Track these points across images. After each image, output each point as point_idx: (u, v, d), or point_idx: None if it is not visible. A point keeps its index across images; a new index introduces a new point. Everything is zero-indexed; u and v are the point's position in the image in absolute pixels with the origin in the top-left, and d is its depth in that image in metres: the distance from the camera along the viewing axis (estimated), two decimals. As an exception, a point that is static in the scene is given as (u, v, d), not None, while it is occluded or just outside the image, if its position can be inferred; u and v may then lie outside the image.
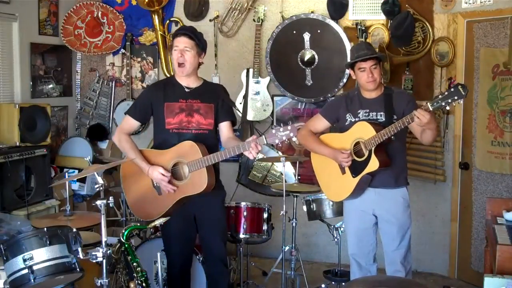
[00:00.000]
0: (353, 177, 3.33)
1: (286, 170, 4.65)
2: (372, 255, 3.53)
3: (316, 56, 4.94)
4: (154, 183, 3.29)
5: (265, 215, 4.19)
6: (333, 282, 4.15)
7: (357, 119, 3.38)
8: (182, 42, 3.21)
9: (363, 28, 4.77)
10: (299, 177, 4.56)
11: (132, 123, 3.39)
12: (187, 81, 3.32)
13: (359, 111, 3.39)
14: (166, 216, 3.21)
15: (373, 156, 3.23)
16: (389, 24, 4.75)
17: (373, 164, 3.23)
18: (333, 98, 4.90)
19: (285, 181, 3.97)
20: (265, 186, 5.04)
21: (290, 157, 4.49)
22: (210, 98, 3.32)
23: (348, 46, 4.84)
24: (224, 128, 3.35)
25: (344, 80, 4.89)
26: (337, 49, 4.88)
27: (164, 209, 3.25)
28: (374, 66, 3.30)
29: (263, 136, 3.00)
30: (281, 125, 3.03)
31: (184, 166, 3.21)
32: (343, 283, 3.99)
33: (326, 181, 3.58)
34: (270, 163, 5.09)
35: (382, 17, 4.78)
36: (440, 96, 2.96)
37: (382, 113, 3.33)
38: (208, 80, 3.52)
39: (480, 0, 4.40)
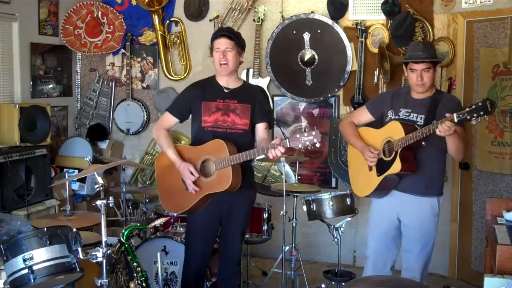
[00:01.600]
0: (378, 175, 3.30)
1: (286, 170, 4.65)
2: (391, 261, 3.46)
3: (316, 56, 4.94)
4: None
5: (265, 215, 4.20)
6: (333, 282, 4.15)
7: (396, 117, 3.32)
8: (223, 43, 3.28)
9: (363, 28, 4.77)
10: (299, 177, 4.56)
11: (170, 120, 3.46)
12: (227, 82, 3.37)
13: (401, 109, 3.32)
14: (191, 211, 3.32)
15: (397, 158, 3.17)
16: (389, 24, 4.76)
17: (396, 166, 3.18)
18: (339, 96, 4.96)
19: (285, 181, 3.97)
20: (265, 186, 5.03)
21: (290, 157, 4.49)
22: (248, 99, 3.36)
23: (348, 46, 4.84)
24: (260, 129, 3.39)
25: (344, 80, 4.90)
26: (337, 49, 4.88)
27: (190, 204, 3.30)
28: (426, 70, 3.19)
29: (287, 139, 3.00)
30: (307, 130, 3.01)
31: (212, 163, 3.26)
32: (343, 283, 3.99)
33: (355, 174, 3.59)
34: (270, 163, 5.09)
35: (382, 17, 4.79)
36: (467, 109, 2.86)
37: (422, 116, 3.23)
38: (248, 82, 3.54)
39: (480, 0, 4.40)
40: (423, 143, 3.13)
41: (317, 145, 2.95)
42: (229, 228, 3.41)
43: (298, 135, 2.97)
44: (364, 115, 3.53)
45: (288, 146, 3.00)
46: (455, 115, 2.89)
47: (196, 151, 3.31)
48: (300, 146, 2.97)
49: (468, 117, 2.85)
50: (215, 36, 3.33)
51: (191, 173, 3.24)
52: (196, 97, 3.37)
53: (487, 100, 2.82)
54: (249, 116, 3.33)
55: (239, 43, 3.34)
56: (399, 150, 3.16)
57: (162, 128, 3.45)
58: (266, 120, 3.39)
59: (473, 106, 2.84)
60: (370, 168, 3.37)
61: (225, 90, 3.36)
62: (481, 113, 2.82)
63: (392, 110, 3.36)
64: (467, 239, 4.60)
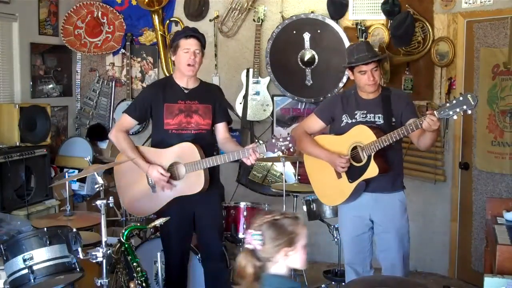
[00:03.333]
0: (350, 182, 3.22)
1: (286, 170, 4.65)
2: (369, 261, 3.42)
3: (316, 56, 4.94)
4: (150, 181, 3.33)
5: (265, 215, 4.18)
6: (333, 282, 4.15)
7: (353, 121, 3.24)
8: (194, 45, 3.27)
9: (363, 28, 4.77)
10: (299, 177, 4.56)
11: (130, 122, 3.41)
12: (186, 82, 3.36)
13: (356, 112, 3.25)
14: (159, 213, 3.28)
15: (372, 162, 3.10)
16: (389, 24, 4.75)
17: (372, 170, 3.11)
18: (327, 97, 4.87)
19: (285, 181, 3.97)
20: (265, 186, 5.04)
21: (290, 157, 4.49)
22: (208, 99, 3.37)
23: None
24: (221, 128, 3.41)
25: (344, 80, 4.90)
26: (337, 49, 4.87)
27: (158, 206, 3.30)
28: (375, 69, 3.17)
29: (264, 145, 3.06)
30: (280, 134, 3.06)
31: (181, 166, 3.25)
32: (343, 283, 3.99)
33: (320, 184, 3.45)
34: (270, 163, 5.09)
35: (382, 17, 4.78)
36: (447, 105, 2.81)
37: (380, 115, 3.20)
38: (204, 80, 3.54)
39: (480, 0, 4.40)
40: (392, 143, 3.08)
41: (292, 149, 3.09)
42: (204, 225, 3.41)
43: (274, 140, 3.04)
44: (315, 122, 3.42)
45: (265, 151, 3.06)
46: (436, 112, 2.84)
47: (163, 154, 3.29)
48: (276, 151, 3.05)
49: (451, 113, 2.80)
50: (185, 36, 3.28)
51: (162, 174, 3.22)
52: (157, 98, 3.33)
53: (468, 93, 2.78)
54: (211, 116, 3.35)
55: (204, 46, 3.35)
56: (372, 154, 3.10)
57: (120, 131, 3.38)
58: (226, 119, 3.43)
59: (454, 101, 2.79)
60: (339, 176, 3.26)
61: (185, 91, 3.35)
62: (464, 107, 2.76)
63: (346, 114, 3.28)
64: (467, 239, 4.60)
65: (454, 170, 4.69)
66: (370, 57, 3.16)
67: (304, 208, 4.06)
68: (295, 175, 4.65)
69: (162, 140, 3.34)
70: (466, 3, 4.49)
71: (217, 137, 3.44)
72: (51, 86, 5.36)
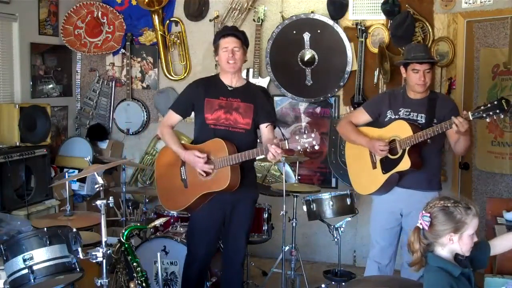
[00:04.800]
0: (383, 173, 3.35)
1: (286, 170, 4.65)
2: (394, 257, 3.52)
3: (316, 56, 4.94)
4: (182, 175, 3.37)
5: (265, 215, 4.19)
6: (333, 282, 4.15)
7: (397, 117, 3.38)
8: (232, 43, 3.29)
9: (363, 28, 4.77)
10: (299, 177, 4.56)
11: (174, 118, 3.46)
12: (231, 80, 3.38)
13: (400, 109, 3.39)
14: (190, 209, 3.35)
15: (406, 156, 3.24)
16: (389, 24, 4.76)
17: (405, 164, 3.24)
18: (339, 96, 4.97)
19: (285, 181, 3.97)
20: (265, 186, 5.03)
21: (290, 157, 4.50)
22: (251, 98, 3.37)
23: (348, 46, 4.84)
24: (264, 129, 3.38)
25: (344, 80, 4.90)
26: (337, 49, 4.88)
27: (188, 202, 3.31)
28: (428, 70, 3.30)
29: (286, 141, 3.01)
30: (306, 131, 3.02)
31: (211, 162, 3.26)
32: (343, 283, 3.99)
33: (356, 173, 3.61)
34: (270, 163, 5.08)
35: (382, 17, 4.79)
36: (482, 107, 2.95)
37: (423, 115, 3.33)
38: (251, 82, 3.57)
39: (480, 0, 4.40)
40: (428, 141, 3.20)
41: (316, 147, 3.00)
42: (233, 229, 3.41)
43: (297, 137, 2.99)
44: (362, 115, 3.57)
45: (287, 147, 3.01)
46: (470, 113, 2.97)
47: (196, 149, 3.31)
48: (299, 148, 2.99)
49: (484, 115, 2.94)
50: (222, 35, 3.34)
51: (198, 156, 3.23)
52: (199, 94, 3.37)
53: (502, 98, 2.91)
54: (251, 115, 3.33)
55: (245, 42, 3.38)
56: (407, 148, 3.22)
57: (166, 126, 3.46)
58: (269, 121, 3.39)
59: (489, 105, 2.93)
60: (374, 166, 3.40)
61: (229, 88, 3.37)
62: (497, 111, 2.91)
63: (391, 110, 3.42)
64: (467, 239, 4.59)
65: (454, 170, 4.69)
66: (426, 57, 3.31)
67: (304, 208, 4.06)
68: (295, 175, 4.65)
69: (201, 135, 3.38)
70: (466, 3, 4.49)
71: (262, 139, 3.41)
72: (51, 86, 5.36)
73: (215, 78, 3.47)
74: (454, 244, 2.20)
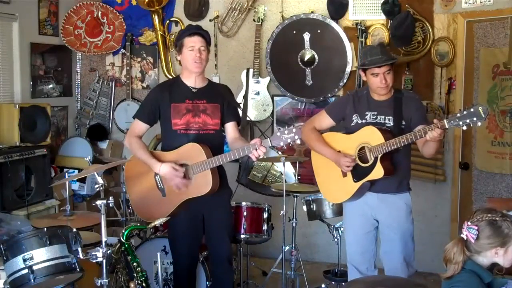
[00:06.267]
0: (355, 181, 3.24)
1: (286, 170, 4.65)
2: (373, 261, 3.42)
3: (316, 56, 4.94)
4: (159, 184, 3.29)
5: (265, 215, 4.19)
6: (333, 282, 4.15)
7: (363, 121, 3.26)
8: (199, 42, 3.24)
9: (363, 28, 4.77)
10: (299, 177, 4.56)
11: (141, 126, 3.37)
12: (194, 81, 3.32)
13: (366, 112, 3.27)
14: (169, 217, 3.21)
15: (378, 163, 3.12)
16: (389, 24, 4.76)
17: (378, 172, 3.13)
18: (338, 96, 4.90)
19: (285, 181, 3.97)
20: (265, 186, 5.04)
21: (290, 157, 4.50)
22: (216, 98, 3.32)
23: (348, 46, 4.84)
24: (230, 128, 3.36)
25: (344, 80, 4.90)
26: (337, 49, 4.88)
27: (168, 211, 3.24)
28: (388, 72, 3.19)
29: (268, 138, 3.01)
30: (286, 127, 3.01)
31: (189, 168, 3.20)
32: (343, 283, 3.99)
33: (325, 181, 3.48)
34: (270, 163, 5.09)
35: (382, 17, 4.79)
36: (458, 115, 2.82)
37: (390, 117, 3.22)
38: (212, 81, 3.53)
39: (480, 0, 4.40)
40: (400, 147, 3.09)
41: (298, 141, 3.01)
42: (214, 229, 3.38)
43: (278, 133, 2.98)
44: (325, 120, 3.44)
45: (270, 145, 3.00)
46: (445, 121, 2.86)
47: (169, 156, 3.25)
48: (281, 144, 2.98)
49: (461, 123, 2.81)
50: (189, 34, 3.26)
51: (175, 169, 3.16)
52: (164, 99, 3.29)
53: (479, 105, 2.78)
54: (219, 115, 3.30)
55: (210, 42, 3.33)
56: (379, 156, 3.11)
57: (132, 136, 3.36)
58: (235, 119, 3.38)
59: (465, 112, 2.79)
60: (344, 175, 3.28)
61: (193, 90, 3.31)
62: (474, 118, 2.77)
63: (356, 114, 3.30)
64: (467, 239, 4.60)
65: (454, 170, 4.69)
66: (383, 60, 3.18)
67: (304, 208, 4.06)
68: (295, 175, 4.65)
69: (171, 141, 3.30)
70: (466, 3, 4.49)
71: (227, 138, 3.39)
72: (51, 86, 5.36)
73: (177, 80, 3.38)
74: (498, 257, 2.19)
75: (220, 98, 3.33)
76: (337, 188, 3.36)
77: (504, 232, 2.17)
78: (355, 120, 3.30)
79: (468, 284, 2.15)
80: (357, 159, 3.22)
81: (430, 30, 4.64)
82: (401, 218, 3.29)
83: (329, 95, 4.98)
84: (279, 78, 5.06)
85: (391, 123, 3.21)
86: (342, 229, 3.95)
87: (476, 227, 2.18)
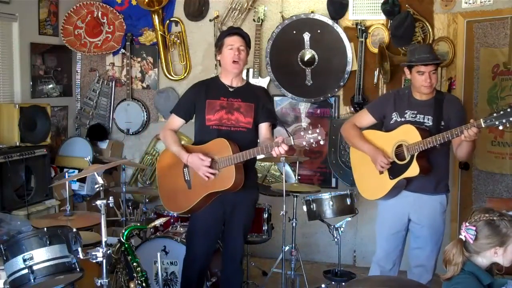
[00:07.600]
0: (391, 179, 3.29)
1: (286, 170, 4.65)
2: (398, 262, 3.48)
3: (316, 56, 4.94)
4: (186, 176, 3.35)
5: (265, 215, 4.19)
6: (333, 282, 4.15)
7: (403, 120, 3.31)
8: (238, 42, 3.30)
9: (363, 28, 4.77)
10: (299, 177, 4.56)
11: (176, 121, 3.46)
12: (232, 81, 3.38)
13: (406, 111, 3.32)
14: (193, 211, 3.33)
15: (414, 162, 3.17)
16: (389, 24, 4.76)
17: (413, 170, 3.18)
18: (339, 96, 4.95)
19: (285, 181, 3.97)
20: (265, 186, 5.04)
21: (290, 157, 4.49)
22: (252, 98, 3.37)
23: (348, 46, 4.84)
24: (263, 129, 3.39)
25: (344, 80, 4.90)
26: (337, 49, 4.88)
27: (192, 203, 3.30)
28: (433, 72, 3.24)
29: (291, 137, 3.01)
30: (310, 127, 3.01)
31: (215, 162, 3.26)
32: (343, 283, 3.99)
33: (362, 177, 3.54)
34: (270, 163, 5.08)
35: (382, 17, 4.79)
36: (495, 114, 2.88)
37: (430, 117, 3.26)
38: (251, 82, 3.60)
39: (480, 0, 4.40)
40: (437, 145, 3.13)
41: (321, 142, 3.00)
42: (232, 228, 3.41)
43: (302, 133, 2.99)
44: (366, 117, 3.52)
45: (293, 143, 3.01)
46: (482, 120, 2.91)
47: (199, 150, 3.30)
48: (304, 143, 2.98)
49: (497, 123, 2.87)
50: (228, 34, 3.35)
51: (201, 159, 3.22)
52: (200, 95, 3.38)
53: None
54: (252, 115, 3.34)
55: (249, 44, 3.39)
56: (416, 154, 3.16)
57: (168, 129, 3.46)
58: (269, 120, 3.40)
59: (502, 112, 2.87)
60: (381, 172, 3.34)
61: (230, 89, 3.37)
62: (511, 119, 2.84)
63: (396, 112, 3.36)
64: (467, 239, 4.59)
65: (454, 170, 4.68)
66: (431, 59, 3.23)
67: (304, 208, 4.06)
68: (295, 175, 4.65)
69: (202, 136, 3.37)
70: (466, 3, 4.49)
71: (259, 137, 3.42)
72: (51, 86, 5.36)
73: (215, 79, 3.47)
74: (497, 256, 2.19)
75: (255, 98, 3.38)
76: (373, 185, 3.43)
77: (503, 232, 2.17)
78: (394, 118, 3.36)
79: (467, 286, 2.16)
80: (394, 157, 3.28)
81: (430, 30, 4.64)
82: (435, 218, 3.34)
83: (329, 95, 4.98)
84: (279, 78, 5.06)
85: (430, 123, 3.26)
86: (342, 229, 3.96)
87: (474, 228, 2.18)
